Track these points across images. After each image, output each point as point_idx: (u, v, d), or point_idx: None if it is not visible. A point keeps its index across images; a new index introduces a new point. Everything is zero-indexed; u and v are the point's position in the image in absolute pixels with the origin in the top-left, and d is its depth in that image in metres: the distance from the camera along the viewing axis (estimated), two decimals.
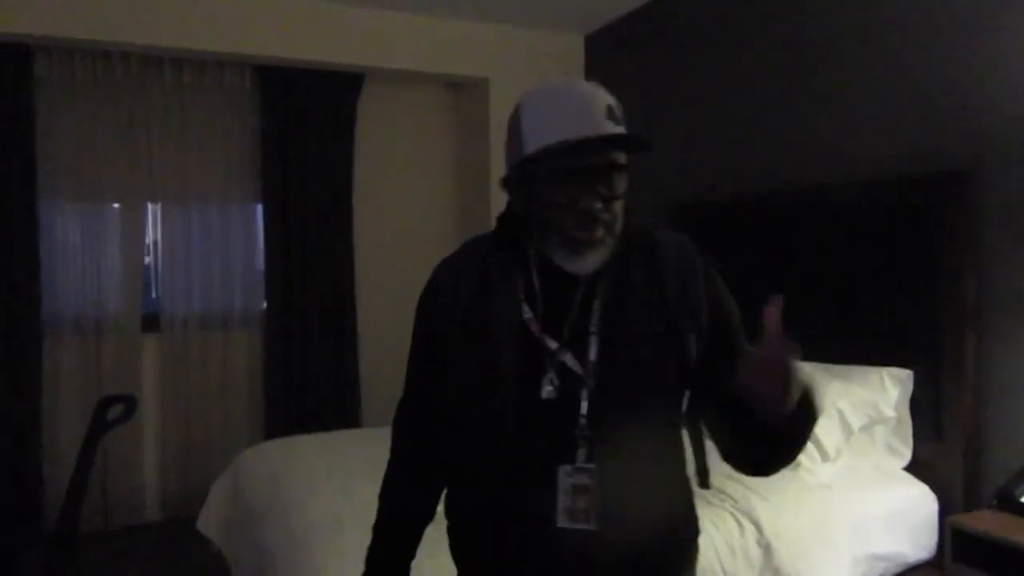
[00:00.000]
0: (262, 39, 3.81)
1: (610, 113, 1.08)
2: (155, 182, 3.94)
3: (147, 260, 4.10)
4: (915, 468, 2.55)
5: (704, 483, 1.20)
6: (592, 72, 4.43)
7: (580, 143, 1.04)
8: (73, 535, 2.39)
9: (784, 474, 2.30)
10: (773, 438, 1.03)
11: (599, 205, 1.07)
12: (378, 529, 1.32)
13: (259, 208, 4.17)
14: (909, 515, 2.42)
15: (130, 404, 2.55)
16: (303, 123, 4.14)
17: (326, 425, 3.91)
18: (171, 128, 3.95)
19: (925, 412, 2.56)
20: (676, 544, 1.19)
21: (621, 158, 1.10)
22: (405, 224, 4.52)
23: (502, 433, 1.11)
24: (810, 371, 1.01)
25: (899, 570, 2.38)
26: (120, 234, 3.90)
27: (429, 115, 4.60)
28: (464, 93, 4.58)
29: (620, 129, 1.08)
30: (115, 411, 2.52)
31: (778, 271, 3.09)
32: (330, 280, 4.23)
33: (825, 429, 2.44)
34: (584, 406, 1.09)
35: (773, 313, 0.95)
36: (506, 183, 1.18)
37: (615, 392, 1.10)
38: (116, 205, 3.91)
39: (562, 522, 1.06)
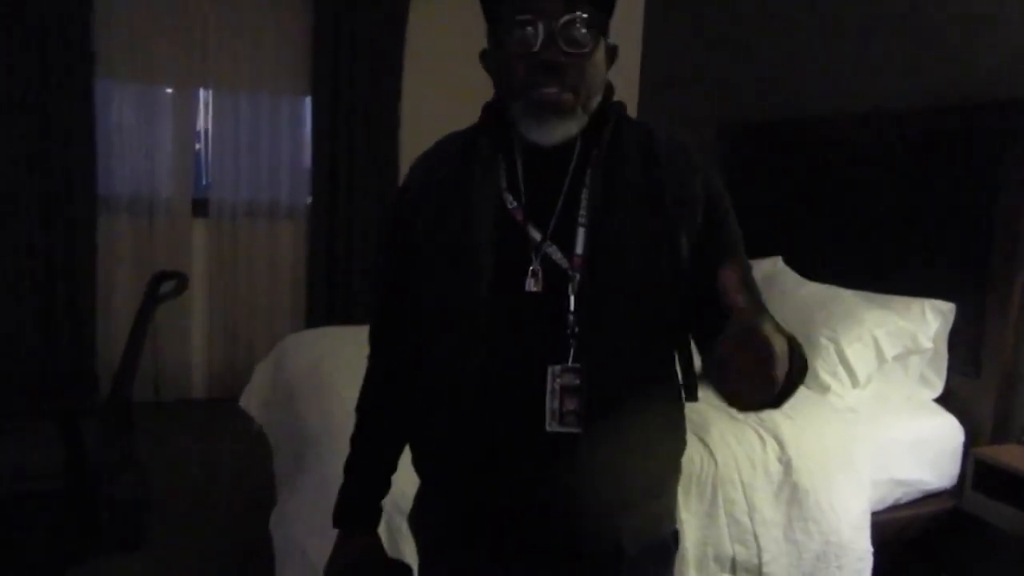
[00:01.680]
0: None
1: None
2: (208, 68, 3.94)
3: (197, 147, 4.16)
4: (946, 400, 2.55)
5: (691, 395, 1.15)
6: None
7: None
8: (127, 404, 2.54)
9: (811, 396, 2.36)
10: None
11: (561, 58, 1.00)
12: (356, 441, 1.26)
13: (308, 101, 4.16)
14: (933, 444, 2.43)
15: (182, 280, 2.63)
16: (354, 17, 4.06)
17: (366, 318, 4.01)
18: (225, 15, 3.91)
19: (964, 346, 2.53)
20: (662, 456, 1.13)
21: (584, 5, 1.01)
22: (453, 125, 4.45)
23: (484, 331, 1.03)
24: (789, 332, 0.85)
25: (917, 496, 2.42)
26: (172, 119, 3.95)
27: (479, 14, 4.45)
28: None
29: None
30: (167, 286, 2.61)
31: (830, 198, 3.03)
32: (375, 176, 4.24)
33: (858, 355, 2.44)
34: (572, 302, 1.02)
35: (732, 276, 0.80)
36: (483, 56, 1.12)
37: (603, 288, 1.02)
38: (169, 90, 3.94)
39: (551, 425, 1.01)
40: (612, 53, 1.10)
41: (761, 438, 2.12)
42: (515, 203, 1.07)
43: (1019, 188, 2.37)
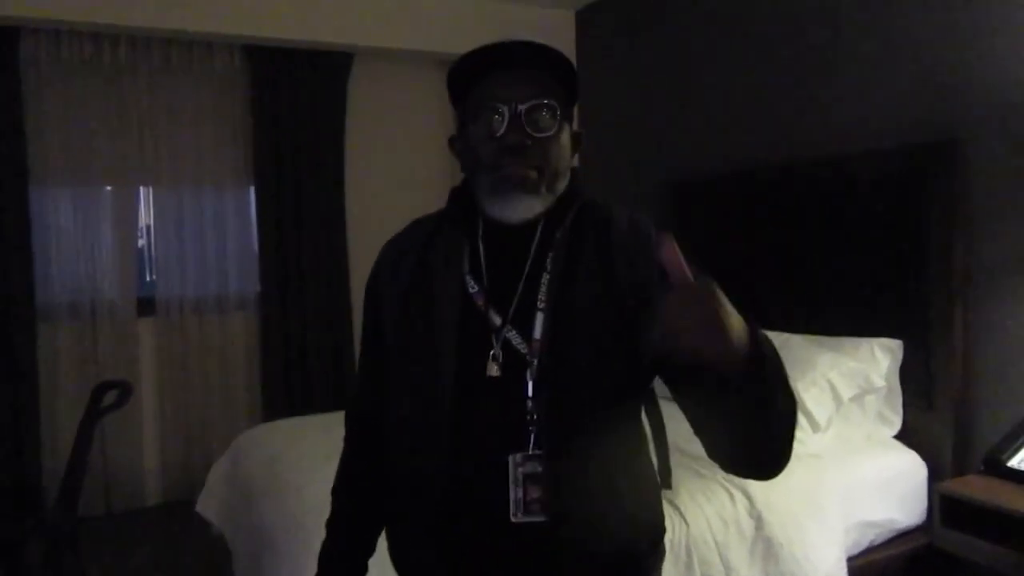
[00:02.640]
0: (250, 19, 3.77)
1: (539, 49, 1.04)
2: (146, 164, 3.91)
3: (140, 243, 4.09)
4: (905, 436, 2.59)
5: (665, 482, 1.14)
6: (583, 47, 4.40)
7: (488, 49, 1.02)
8: (72, 521, 2.42)
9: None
10: (734, 402, 0.86)
11: (526, 141, 1.02)
12: (332, 526, 1.24)
13: (252, 191, 4.15)
14: (899, 482, 2.45)
15: (125, 389, 2.57)
16: (294, 104, 4.12)
17: (324, 406, 3.94)
18: (161, 110, 3.92)
19: (915, 381, 2.58)
20: (638, 541, 1.10)
21: (548, 94, 1.04)
22: (398, 203, 4.45)
23: (446, 418, 1.02)
24: (738, 310, 0.86)
25: (889, 536, 2.42)
26: (113, 217, 3.89)
27: (420, 94, 4.56)
28: None
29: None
30: (111, 397, 2.54)
31: (770, 244, 3.11)
32: (324, 261, 4.23)
33: (816, 400, 2.47)
34: (530, 387, 1.01)
35: (670, 247, 0.81)
36: (451, 141, 1.15)
37: (562, 373, 1.01)
38: (108, 188, 3.89)
39: (516, 516, 0.99)
40: (577, 139, 1.13)
41: (730, 494, 2.11)
42: (476, 287, 1.07)
43: (947, 225, 2.46)
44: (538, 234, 1.08)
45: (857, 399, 2.55)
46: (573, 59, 4.35)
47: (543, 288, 1.05)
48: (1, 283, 3.57)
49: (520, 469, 0.99)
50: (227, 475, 2.79)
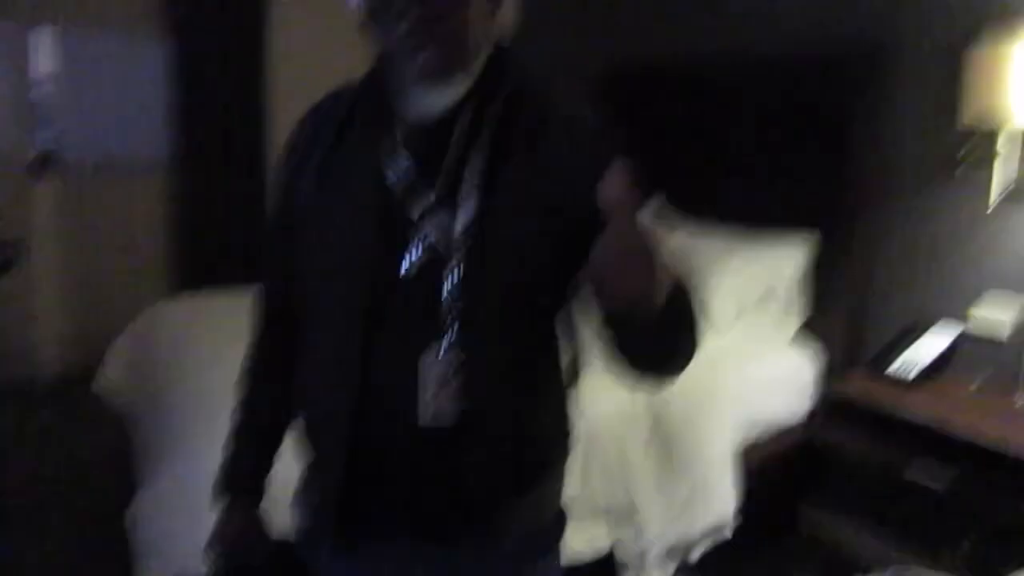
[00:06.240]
0: None
1: None
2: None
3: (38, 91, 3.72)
4: (805, 335, 2.69)
5: (571, 382, 1.12)
6: None
7: None
8: None
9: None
10: (636, 332, 0.89)
11: (429, 14, 0.90)
12: (242, 408, 1.22)
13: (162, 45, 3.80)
14: (790, 381, 2.58)
15: (16, 251, 2.40)
16: None
17: (238, 278, 3.82)
18: None
19: (821, 280, 2.67)
20: (544, 445, 1.09)
21: None
22: (326, 62, 4.20)
23: (357, 317, 0.98)
24: (679, 253, 0.85)
25: (777, 431, 2.56)
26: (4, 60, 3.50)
27: None
28: None
29: None
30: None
31: (710, 136, 3.09)
32: (241, 123, 3.97)
33: (719, 304, 2.52)
34: (447, 287, 0.96)
35: (618, 178, 0.78)
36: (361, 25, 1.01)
37: (480, 275, 0.95)
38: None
39: (423, 419, 0.96)
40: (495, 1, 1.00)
41: (630, 391, 2.18)
42: (395, 176, 0.99)
43: (868, 125, 2.50)
44: (461, 119, 0.98)
45: (760, 303, 2.63)
46: None
47: (466, 182, 0.96)
48: None
49: (432, 371, 0.96)
50: (130, 352, 2.70)
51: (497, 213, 0.96)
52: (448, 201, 0.97)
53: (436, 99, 0.97)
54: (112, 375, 2.72)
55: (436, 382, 0.96)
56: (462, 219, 0.96)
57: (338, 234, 1.01)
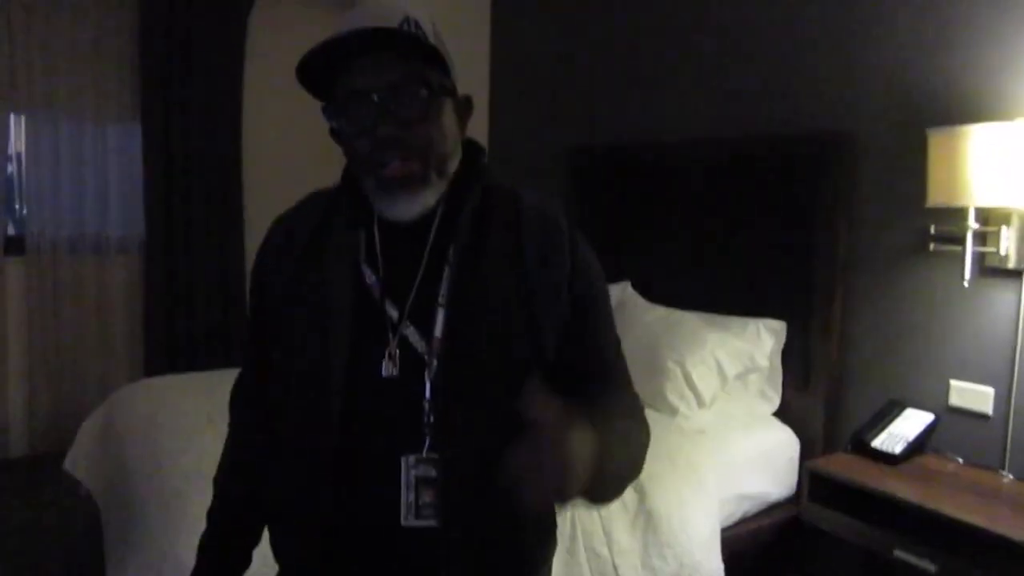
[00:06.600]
0: None
1: (406, 23, 0.93)
2: (18, 85, 3.54)
3: (10, 169, 3.73)
4: (782, 414, 2.71)
5: None
6: (499, 12, 4.26)
7: (333, 42, 0.91)
8: None
9: (661, 419, 2.43)
10: None
11: (398, 132, 0.93)
12: (213, 517, 1.19)
13: (139, 130, 3.85)
14: (774, 457, 2.57)
15: None
16: (189, 41, 3.84)
17: (211, 362, 3.78)
18: (38, 36, 3.56)
19: (795, 362, 2.70)
20: (531, 541, 1.08)
21: (415, 75, 0.94)
22: (297, 150, 4.30)
23: (336, 418, 0.96)
24: (591, 449, 0.82)
25: (761, 508, 2.55)
26: None
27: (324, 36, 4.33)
28: None
29: (393, 25, 0.92)
30: None
31: (669, 221, 3.15)
32: (217, 206, 4.02)
33: (703, 377, 2.55)
34: (428, 389, 0.96)
35: (539, 397, 0.79)
36: (332, 132, 1.02)
37: (461, 375, 0.96)
38: None
39: (407, 519, 0.95)
40: (465, 106, 1.04)
41: None
42: (373, 278, 1.00)
43: (834, 213, 2.56)
44: (436, 221, 1.01)
45: (741, 377, 2.65)
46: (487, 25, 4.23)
47: (444, 282, 0.98)
48: None
49: (413, 472, 0.96)
50: (100, 433, 2.63)
51: (475, 312, 0.97)
52: (428, 301, 0.98)
53: (411, 203, 0.98)
54: (80, 457, 2.65)
55: (417, 481, 0.95)
56: (440, 320, 0.97)
57: (315, 336, 1.00)
